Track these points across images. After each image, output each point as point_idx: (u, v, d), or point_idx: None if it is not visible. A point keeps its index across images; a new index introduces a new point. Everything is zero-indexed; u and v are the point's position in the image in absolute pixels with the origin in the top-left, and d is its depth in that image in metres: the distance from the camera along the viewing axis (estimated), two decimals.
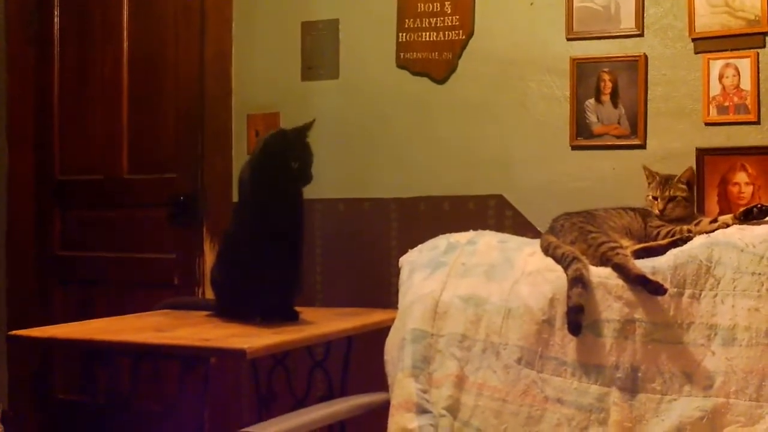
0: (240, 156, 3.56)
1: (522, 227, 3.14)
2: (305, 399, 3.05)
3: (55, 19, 4.12)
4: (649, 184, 2.78)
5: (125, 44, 3.95)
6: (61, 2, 4.12)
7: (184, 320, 2.85)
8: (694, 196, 2.79)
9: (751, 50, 2.91)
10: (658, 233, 2.60)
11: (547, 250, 2.59)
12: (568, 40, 3.15)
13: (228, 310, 2.86)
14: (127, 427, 2.72)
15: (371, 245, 3.41)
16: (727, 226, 2.52)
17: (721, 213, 2.82)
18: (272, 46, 3.62)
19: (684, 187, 2.72)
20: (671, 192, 2.70)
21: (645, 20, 3.04)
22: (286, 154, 2.75)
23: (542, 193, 3.17)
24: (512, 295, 2.53)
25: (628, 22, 3.06)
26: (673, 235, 2.54)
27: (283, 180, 2.76)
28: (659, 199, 2.71)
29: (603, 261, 2.45)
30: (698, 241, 2.45)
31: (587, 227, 2.59)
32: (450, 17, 3.32)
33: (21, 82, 4.16)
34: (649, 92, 3.04)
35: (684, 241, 2.47)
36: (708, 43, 2.96)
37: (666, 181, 2.73)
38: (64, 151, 4.12)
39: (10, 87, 4.17)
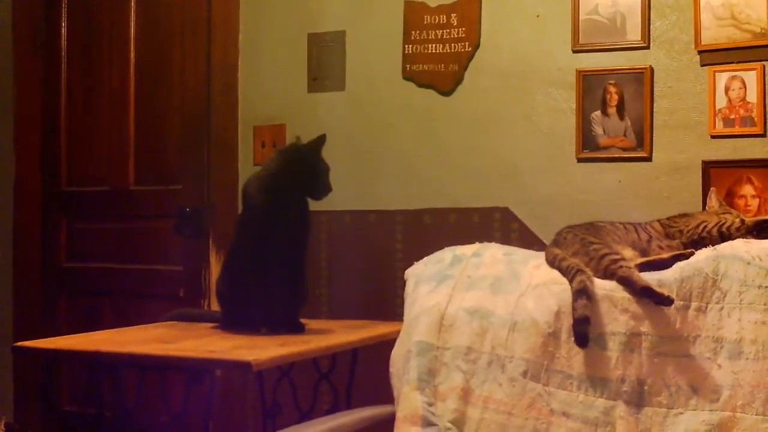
0: (246, 167, 3.57)
1: (528, 240, 3.14)
2: (311, 411, 3.05)
3: (63, 31, 4.13)
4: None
5: (132, 56, 3.96)
6: (69, 14, 4.13)
7: (189, 332, 2.85)
8: None
9: (758, 63, 2.92)
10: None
11: (552, 263, 2.58)
12: (574, 52, 3.15)
13: (233, 322, 2.86)
14: None
15: (377, 257, 3.41)
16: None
17: None
18: (279, 58, 3.62)
19: None
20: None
21: (651, 33, 3.05)
22: (309, 167, 2.79)
23: (548, 206, 3.17)
24: (518, 308, 2.52)
25: (634, 35, 3.07)
26: None
27: (308, 193, 2.82)
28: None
29: (607, 274, 2.43)
30: (704, 254, 2.44)
31: (589, 239, 2.58)
32: (456, 29, 3.32)
33: (28, 94, 4.17)
34: (655, 105, 3.04)
35: (687, 255, 2.46)
36: (714, 56, 2.97)
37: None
38: (71, 163, 4.13)
39: (17, 98, 4.18)
